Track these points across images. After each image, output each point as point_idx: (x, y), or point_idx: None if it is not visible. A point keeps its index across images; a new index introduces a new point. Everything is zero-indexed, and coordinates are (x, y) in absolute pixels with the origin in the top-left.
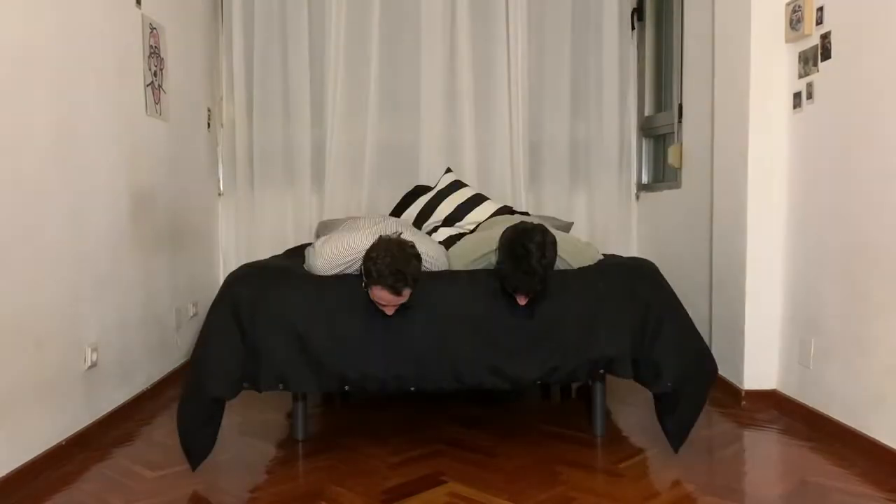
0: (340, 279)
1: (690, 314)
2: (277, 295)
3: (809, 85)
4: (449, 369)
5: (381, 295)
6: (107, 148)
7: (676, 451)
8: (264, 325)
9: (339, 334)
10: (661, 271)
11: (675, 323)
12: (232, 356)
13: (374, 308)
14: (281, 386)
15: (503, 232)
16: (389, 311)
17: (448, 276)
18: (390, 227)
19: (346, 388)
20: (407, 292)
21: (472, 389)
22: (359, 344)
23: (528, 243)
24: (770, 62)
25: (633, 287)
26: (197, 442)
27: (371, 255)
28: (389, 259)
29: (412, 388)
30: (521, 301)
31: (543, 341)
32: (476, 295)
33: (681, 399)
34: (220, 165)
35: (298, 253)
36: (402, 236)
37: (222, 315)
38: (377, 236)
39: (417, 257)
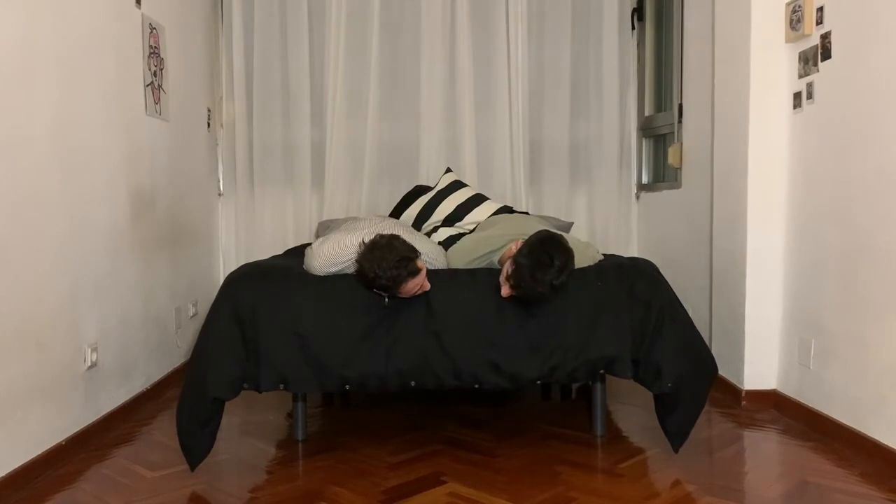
0: (340, 279)
1: (690, 314)
2: (278, 295)
3: (809, 85)
4: (449, 367)
5: (409, 287)
6: (107, 148)
7: (677, 451)
8: (264, 324)
9: (340, 334)
10: (661, 271)
11: (675, 323)
12: (232, 356)
13: (373, 307)
14: (281, 386)
15: (539, 230)
16: (428, 286)
17: (448, 275)
18: (389, 227)
19: (347, 387)
20: (421, 263)
21: (472, 388)
22: (359, 343)
23: (554, 257)
24: (770, 62)
25: (633, 287)
26: (196, 442)
27: (372, 276)
28: (384, 262)
29: (413, 384)
30: (504, 292)
31: (543, 341)
32: (476, 294)
33: (681, 399)
34: (220, 165)
35: (298, 253)
36: (399, 237)
37: (222, 315)
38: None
39: (394, 237)
